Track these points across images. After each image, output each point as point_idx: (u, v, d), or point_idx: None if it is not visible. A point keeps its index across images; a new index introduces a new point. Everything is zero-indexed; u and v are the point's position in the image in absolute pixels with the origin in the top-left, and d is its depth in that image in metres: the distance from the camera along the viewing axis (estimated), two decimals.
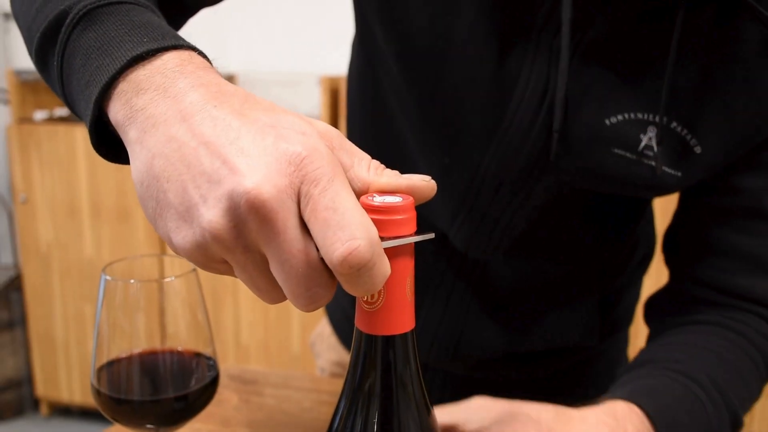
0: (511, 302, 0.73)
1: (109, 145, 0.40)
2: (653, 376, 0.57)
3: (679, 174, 0.60)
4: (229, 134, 0.33)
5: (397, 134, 0.68)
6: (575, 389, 0.83)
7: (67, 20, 0.41)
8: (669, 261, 0.70)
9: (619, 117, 0.58)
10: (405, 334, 0.36)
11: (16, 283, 2.53)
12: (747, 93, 0.57)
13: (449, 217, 0.67)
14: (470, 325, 0.73)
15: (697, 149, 0.59)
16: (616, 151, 0.59)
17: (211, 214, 0.32)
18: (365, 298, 0.35)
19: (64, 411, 2.64)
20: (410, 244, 0.35)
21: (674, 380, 0.56)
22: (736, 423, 0.57)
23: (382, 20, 0.62)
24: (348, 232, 0.31)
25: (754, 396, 0.61)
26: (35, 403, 2.64)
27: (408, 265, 0.35)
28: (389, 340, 0.36)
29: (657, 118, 0.58)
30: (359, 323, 0.37)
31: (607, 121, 0.59)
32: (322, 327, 0.97)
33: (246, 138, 0.33)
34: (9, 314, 2.50)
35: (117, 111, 0.37)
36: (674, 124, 0.58)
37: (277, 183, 0.31)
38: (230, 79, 2.39)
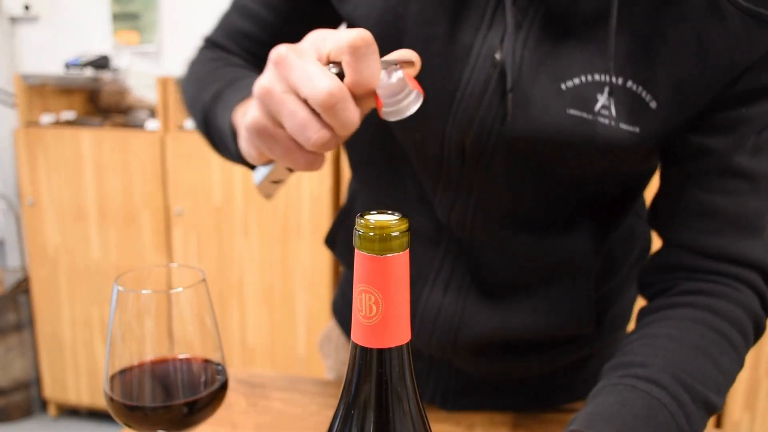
0: (506, 288, 0.75)
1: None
2: (617, 390, 0.58)
3: (637, 129, 0.62)
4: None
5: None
6: (574, 387, 0.84)
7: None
8: (654, 230, 0.72)
9: (576, 81, 0.62)
10: (400, 347, 0.37)
11: (23, 286, 2.55)
12: (695, 49, 0.60)
13: (432, 189, 0.70)
14: (469, 312, 0.75)
15: (653, 104, 0.62)
16: (571, 112, 0.62)
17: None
18: (362, 312, 0.36)
19: (71, 412, 2.67)
20: (405, 261, 0.36)
21: (635, 389, 0.57)
22: (709, 407, 0.59)
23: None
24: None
25: (731, 372, 0.62)
26: (43, 405, 2.66)
27: (404, 275, 0.36)
28: (384, 353, 0.37)
29: (612, 78, 0.61)
30: (355, 337, 0.37)
31: (563, 86, 0.62)
32: (329, 330, 1.00)
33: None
34: (17, 316, 2.52)
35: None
36: (630, 83, 0.61)
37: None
38: None
